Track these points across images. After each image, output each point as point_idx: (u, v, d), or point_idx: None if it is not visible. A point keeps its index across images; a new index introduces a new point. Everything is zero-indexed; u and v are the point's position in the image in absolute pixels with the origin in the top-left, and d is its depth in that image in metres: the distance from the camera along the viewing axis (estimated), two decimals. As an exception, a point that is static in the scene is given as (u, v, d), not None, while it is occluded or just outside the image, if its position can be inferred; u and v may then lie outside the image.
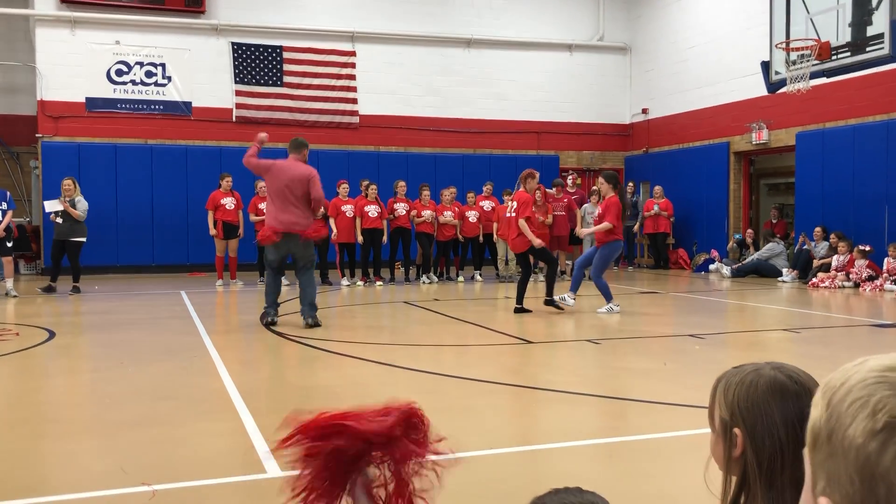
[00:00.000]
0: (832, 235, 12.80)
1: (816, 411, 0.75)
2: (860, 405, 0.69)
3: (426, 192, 13.94)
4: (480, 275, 14.19)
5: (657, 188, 16.63)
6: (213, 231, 13.12)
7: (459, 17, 17.70)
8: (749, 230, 15.44)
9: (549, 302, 9.42)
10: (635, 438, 4.23)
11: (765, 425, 1.27)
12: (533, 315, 9.13)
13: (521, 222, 9.25)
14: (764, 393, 1.28)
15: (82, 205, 12.07)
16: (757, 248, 14.79)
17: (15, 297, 11.30)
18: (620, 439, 4.22)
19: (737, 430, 1.28)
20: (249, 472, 3.61)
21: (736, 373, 1.35)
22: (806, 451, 0.77)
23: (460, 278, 14.16)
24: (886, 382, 0.69)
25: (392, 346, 7.22)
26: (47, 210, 12.15)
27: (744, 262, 14.54)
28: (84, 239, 12.20)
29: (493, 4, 17.99)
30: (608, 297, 9.37)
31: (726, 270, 14.58)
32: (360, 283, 13.26)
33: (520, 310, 9.33)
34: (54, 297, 11.58)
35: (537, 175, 9.69)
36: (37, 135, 15.38)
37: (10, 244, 11.68)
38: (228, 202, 13.21)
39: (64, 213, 11.92)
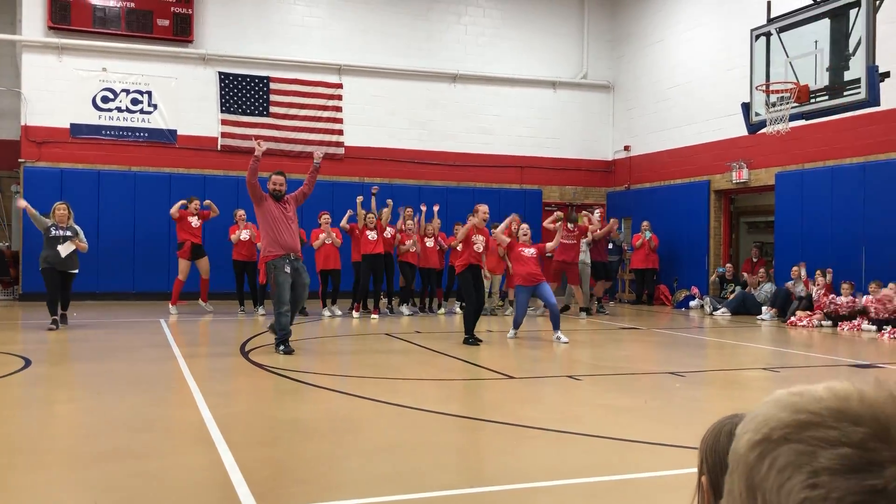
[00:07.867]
0: (817, 271, 12.84)
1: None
2: (751, 420, 0.73)
3: (410, 222, 13.98)
4: (462, 307, 14.15)
5: (645, 223, 16.57)
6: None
7: (446, 52, 17.90)
8: (728, 265, 15.56)
9: (467, 341, 9.45)
10: (616, 478, 4.22)
11: (722, 474, 1.27)
12: (515, 349, 9.13)
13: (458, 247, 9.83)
14: (724, 442, 1.29)
15: (81, 233, 11.16)
16: (738, 284, 14.88)
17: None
18: (601, 479, 4.20)
19: (703, 479, 1.30)
20: (226, 508, 3.56)
21: (716, 422, 1.36)
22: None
23: (441, 310, 14.14)
24: (780, 401, 0.73)
25: (372, 380, 7.17)
26: (63, 255, 10.85)
27: (731, 298, 14.57)
28: (77, 270, 11.22)
29: (480, 41, 18.22)
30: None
31: (708, 307, 14.64)
32: (355, 314, 13.18)
33: (469, 341, 9.45)
34: (33, 324, 11.42)
35: (479, 209, 9.99)
36: (20, 160, 15.29)
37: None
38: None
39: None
